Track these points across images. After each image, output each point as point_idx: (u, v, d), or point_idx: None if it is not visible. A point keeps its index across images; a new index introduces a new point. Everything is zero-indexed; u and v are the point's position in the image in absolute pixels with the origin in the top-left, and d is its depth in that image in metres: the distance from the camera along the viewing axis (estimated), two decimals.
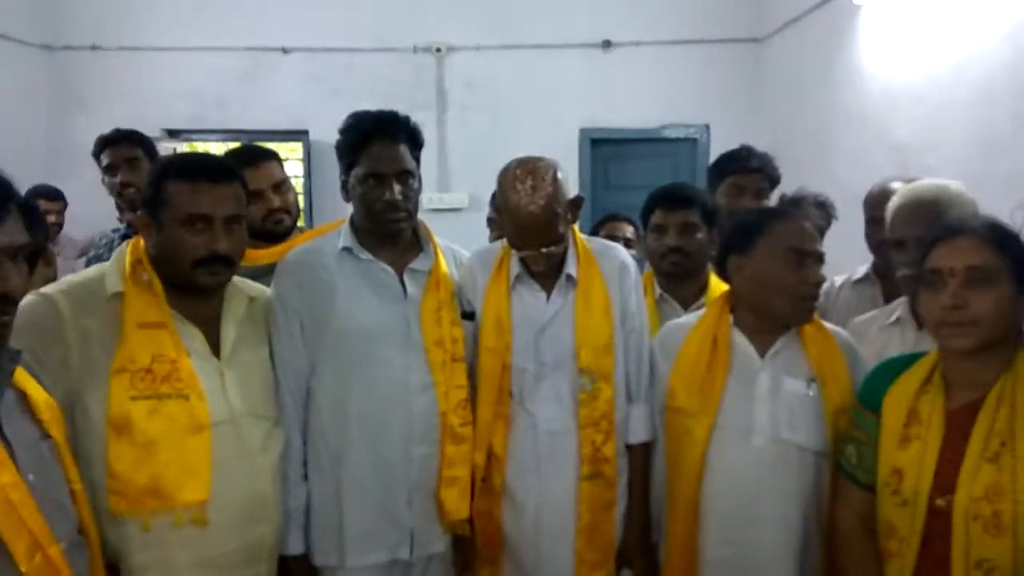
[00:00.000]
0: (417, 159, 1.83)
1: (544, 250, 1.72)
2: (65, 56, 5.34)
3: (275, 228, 2.20)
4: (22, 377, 1.19)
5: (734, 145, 2.68)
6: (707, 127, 5.41)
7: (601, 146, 5.45)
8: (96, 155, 2.73)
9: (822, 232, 2.77)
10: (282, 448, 1.70)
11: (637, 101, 5.36)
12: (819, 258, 1.67)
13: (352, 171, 1.77)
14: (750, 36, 5.25)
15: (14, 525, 1.04)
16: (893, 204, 1.79)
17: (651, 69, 5.34)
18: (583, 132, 5.36)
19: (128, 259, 1.57)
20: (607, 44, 5.36)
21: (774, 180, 2.45)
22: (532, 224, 1.69)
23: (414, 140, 1.82)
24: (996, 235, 1.38)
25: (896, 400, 1.46)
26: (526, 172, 1.69)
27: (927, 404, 1.42)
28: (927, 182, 1.81)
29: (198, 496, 1.48)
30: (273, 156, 2.22)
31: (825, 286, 2.36)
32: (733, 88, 5.30)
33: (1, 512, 1.03)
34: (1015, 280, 1.36)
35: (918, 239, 1.66)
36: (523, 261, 1.80)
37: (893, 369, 1.52)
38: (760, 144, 2.72)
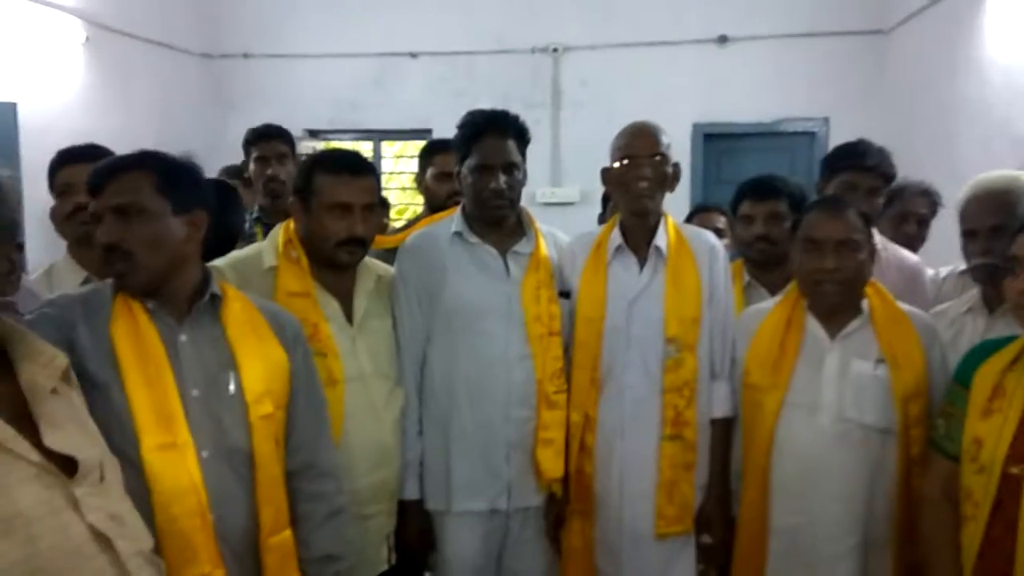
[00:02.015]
0: (523, 154, 2.02)
1: (649, 158, 1.91)
2: (221, 63, 5.94)
3: (455, 206, 2.47)
4: (232, 319, 1.47)
5: (853, 139, 2.56)
6: (826, 120, 5.33)
7: (715, 141, 5.48)
8: (247, 145, 2.98)
9: (925, 219, 2.78)
10: (402, 405, 1.95)
11: (753, 95, 5.35)
12: (843, 244, 1.73)
13: (465, 162, 1.98)
14: (873, 28, 5.13)
15: (151, 419, 1.30)
16: (964, 196, 1.83)
17: (768, 63, 5.32)
18: (696, 127, 5.41)
19: (281, 238, 1.88)
20: (723, 39, 5.38)
21: (888, 178, 2.37)
22: (643, 128, 1.96)
23: (521, 136, 2.02)
24: None
25: (985, 376, 1.54)
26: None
27: (1012, 380, 1.50)
28: (998, 173, 1.83)
29: (333, 438, 1.73)
30: None
31: (930, 273, 2.42)
32: (854, 81, 5.19)
33: (143, 404, 1.30)
34: None
35: (990, 229, 1.72)
36: (623, 230, 1.99)
37: (986, 349, 1.60)
38: (881, 137, 2.61)
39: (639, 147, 1.93)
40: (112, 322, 1.37)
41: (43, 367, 1.06)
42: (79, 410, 1.12)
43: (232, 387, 1.43)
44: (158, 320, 1.41)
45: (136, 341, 1.36)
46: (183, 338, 1.42)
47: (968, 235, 1.83)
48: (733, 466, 1.95)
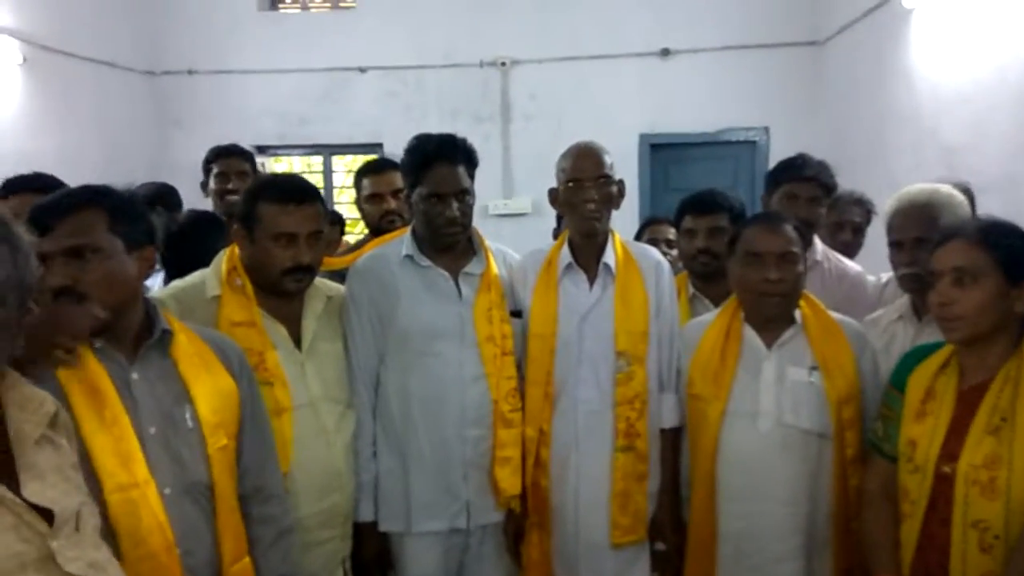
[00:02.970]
0: (472, 176, 2.04)
1: (594, 180, 1.95)
2: (165, 81, 5.85)
3: (388, 227, 2.46)
4: (182, 353, 1.46)
5: (794, 147, 2.71)
6: (766, 130, 5.49)
7: (660, 151, 5.60)
8: (208, 162, 2.98)
9: (860, 227, 2.89)
10: (354, 428, 1.95)
11: (696, 106, 5.49)
12: (783, 257, 1.81)
13: (416, 189, 1.99)
14: (808, 40, 5.31)
15: (111, 461, 1.29)
16: (889, 208, 1.92)
17: (710, 74, 5.47)
18: (642, 137, 5.53)
19: (224, 266, 1.85)
20: (665, 52, 5.51)
21: (828, 188, 2.48)
22: (587, 150, 2.01)
23: (470, 160, 2.03)
24: (984, 235, 1.51)
25: (917, 380, 1.62)
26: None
27: (943, 384, 1.58)
28: (920, 186, 1.93)
29: (281, 468, 1.71)
30: (398, 168, 2.46)
31: (872, 279, 2.51)
32: (792, 91, 5.37)
33: (102, 447, 1.29)
34: (1005, 274, 1.48)
35: (915, 240, 1.81)
36: (572, 248, 2.03)
37: (919, 354, 1.68)
38: (818, 145, 2.75)
39: (584, 170, 1.97)
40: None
41: (31, 414, 1.05)
42: (64, 457, 1.10)
43: (190, 421, 1.42)
44: (107, 359, 1.38)
45: (87, 383, 1.34)
46: (135, 376, 1.40)
47: (895, 246, 1.91)
48: (683, 474, 2.00)
